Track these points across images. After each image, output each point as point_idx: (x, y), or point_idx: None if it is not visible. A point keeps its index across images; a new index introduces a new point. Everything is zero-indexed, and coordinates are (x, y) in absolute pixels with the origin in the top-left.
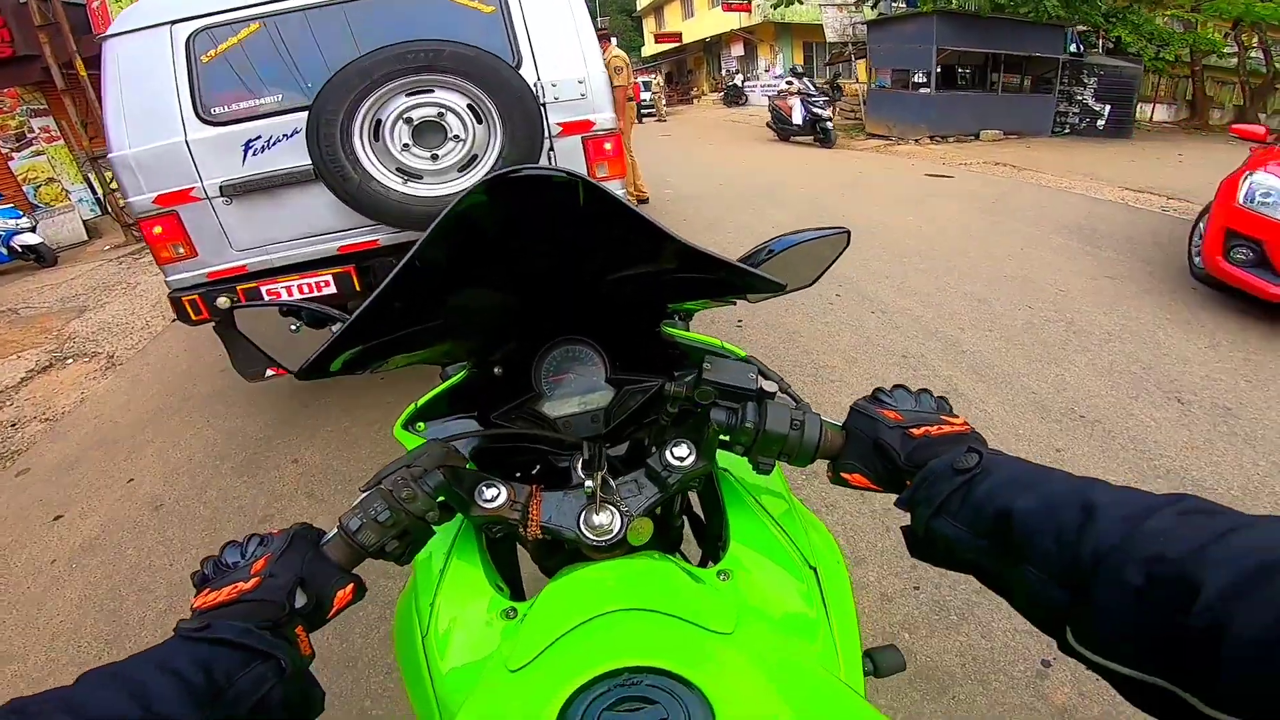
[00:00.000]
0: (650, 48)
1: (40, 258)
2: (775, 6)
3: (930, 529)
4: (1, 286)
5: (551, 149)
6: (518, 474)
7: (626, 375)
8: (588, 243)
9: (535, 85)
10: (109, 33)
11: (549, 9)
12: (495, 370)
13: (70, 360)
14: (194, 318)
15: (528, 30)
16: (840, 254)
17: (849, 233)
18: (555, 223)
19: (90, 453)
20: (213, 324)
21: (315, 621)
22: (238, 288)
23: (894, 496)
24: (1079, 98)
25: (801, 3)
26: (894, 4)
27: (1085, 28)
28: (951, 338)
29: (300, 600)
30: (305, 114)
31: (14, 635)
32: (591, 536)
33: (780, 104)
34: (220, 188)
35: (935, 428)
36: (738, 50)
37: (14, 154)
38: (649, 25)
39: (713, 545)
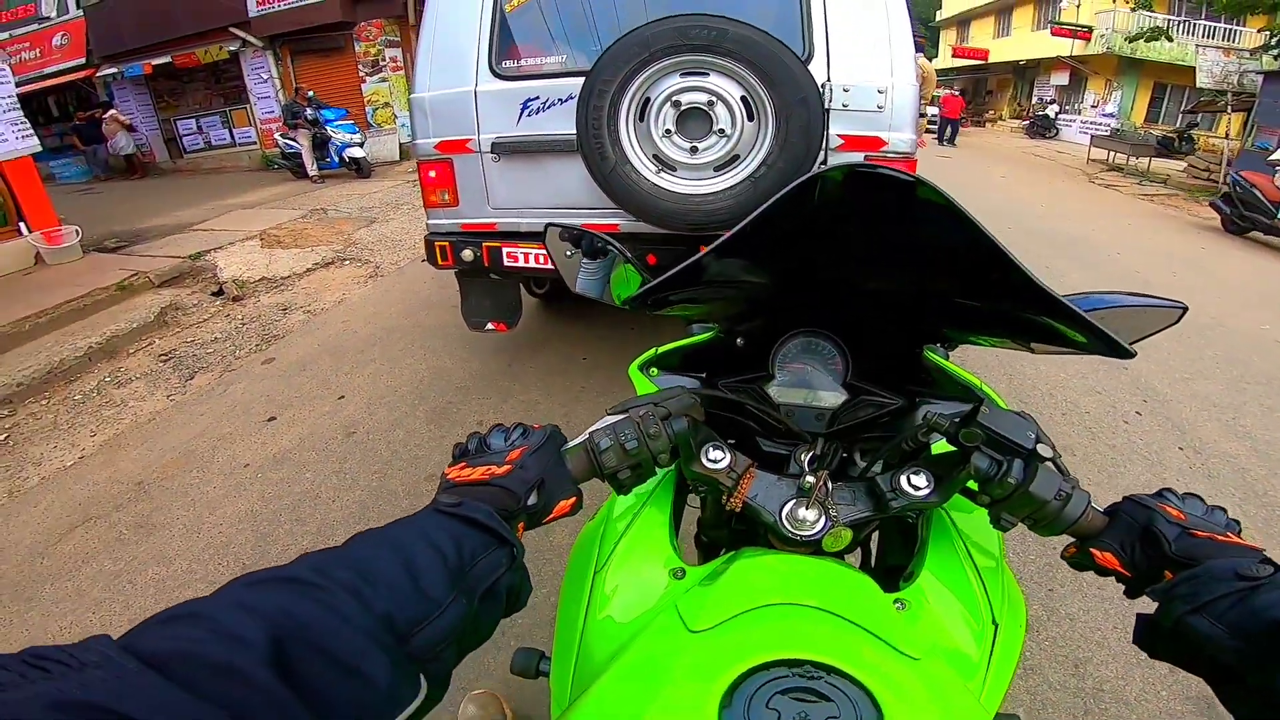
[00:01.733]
0: (943, 61)
1: (360, 170)
2: (1131, 39)
3: (1182, 623)
4: (325, 189)
5: (824, 162)
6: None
7: (865, 384)
8: (902, 247)
9: (823, 85)
10: None
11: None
12: (738, 341)
13: (347, 263)
14: (440, 263)
15: (826, 20)
16: (1167, 328)
17: (1185, 308)
18: (880, 221)
19: (323, 358)
20: (455, 271)
21: (534, 520)
22: (484, 245)
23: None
24: None
25: (1170, 40)
26: None
27: None
28: None
29: (532, 499)
30: (582, 80)
31: (179, 536)
32: (790, 528)
33: (1260, 182)
34: (493, 144)
35: (1221, 535)
36: (1059, 78)
37: (366, 78)
38: (947, 37)
39: (893, 573)
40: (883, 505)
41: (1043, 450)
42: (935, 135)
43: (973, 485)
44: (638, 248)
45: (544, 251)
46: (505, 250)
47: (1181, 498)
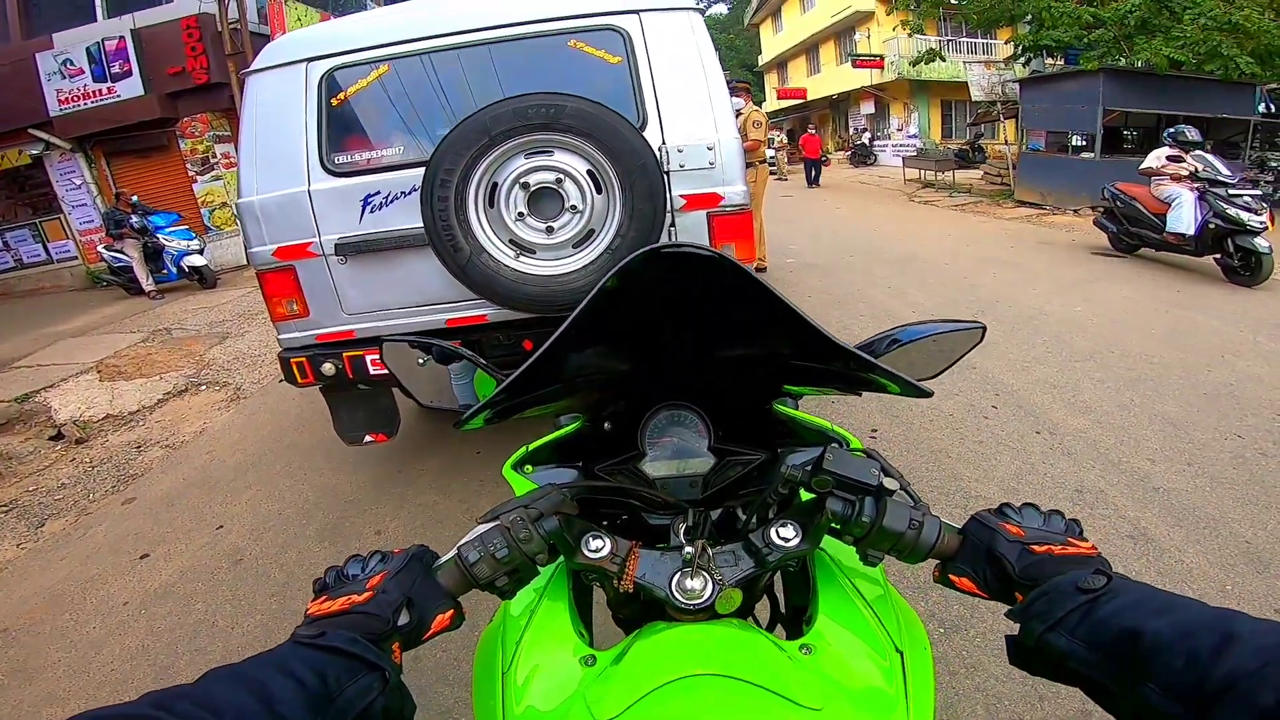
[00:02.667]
0: (771, 104)
1: (203, 279)
2: (914, 64)
3: (1042, 641)
4: (165, 305)
5: (673, 224)
6: (604, 523)
7: (729, 446)
8: (719, 317)
9: (660, 150)
10: (250, 69)
11: (679, 63)
12: (605, 425)
13: (203, 388)
14: (300, 381)
15: (654, 87)
16: (971, 350)
17: (984, 328)
18: (695, 296)
19: (192, 491)
20: (319, 387)
21: (412, 640)
22: (344, 355)
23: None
24: (1274, 164)
25: (943, 60)
26: (1048, 61)
27: (1277, 85)
28: (1139, 471)
29: (404, 619)
30: (422, 171)
31: (65, 677)
32: (681, 599)
33: (1139, 194)
34: (336, 245)
35: (1059, 547)
36: (867, 108)
37: (198, 177)
38: (770, 80)
39: (794, 619)
40: (762, 561)
41: (889, 484)
42: (805, 178)
43: (836, 526)
44: (513, 334)
45: (425, 328)
46: (369, 358)
47: (1019, 510)
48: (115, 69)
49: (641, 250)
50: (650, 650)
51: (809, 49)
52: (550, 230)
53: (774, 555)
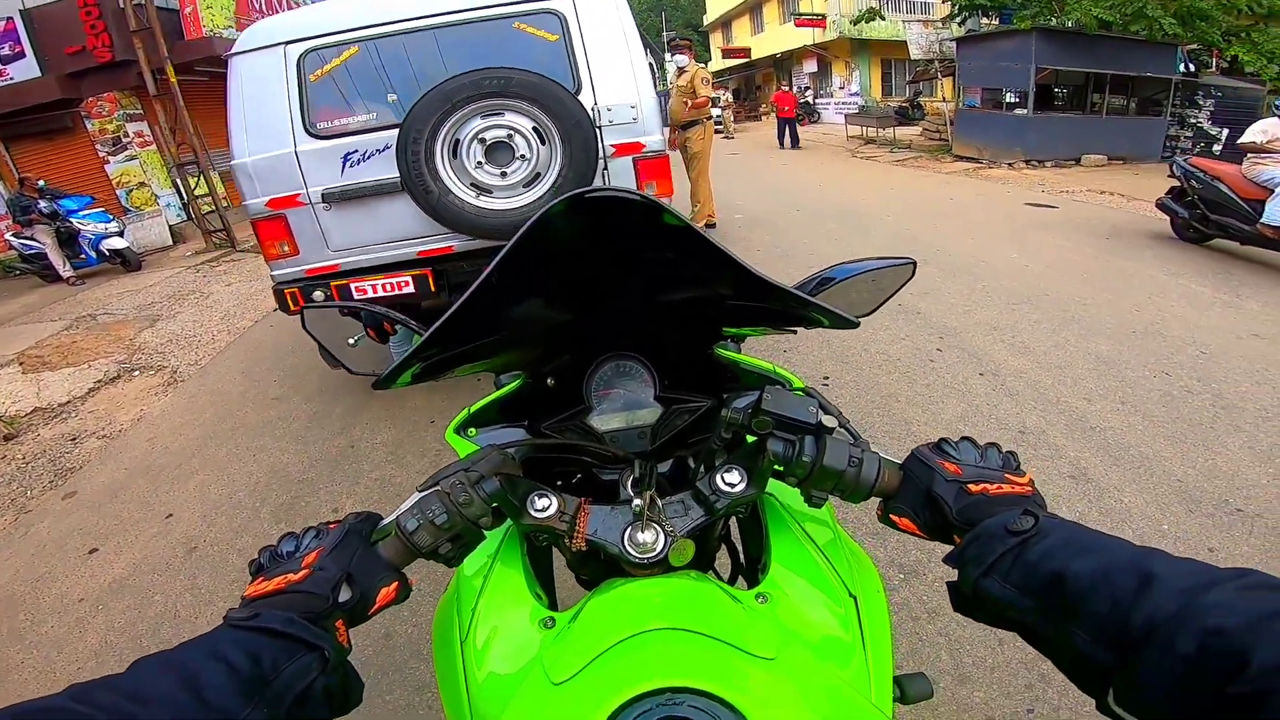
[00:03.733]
0: (716, 63)
1: (126, 262)
2: (854, 22)
3: (978, 587)
4: (87, 291)
5: (606, 169)
6: (559, 484)
7: (675, 394)
8: (653, 264)
9: (592, 109)
10: (233, 51)
11: (606, 38)
12: (548, 381)
13: (136, 373)
14: (292, 309)
15: (587, 58)
16: (904, 285)
17: (914, 263)
18: (624, 242)
19: (136, 480)
20: (298, 314)
21: (357, 616)
22: (331, 284)
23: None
24: (1193, 121)
25: (883, 19)
26: (983, 20)
27: (1196, 46)
28: (1076, 410)
29: (345, 595)
30: (396, 131)
31: (31, 679)
32: (634, 553)
33: (1225, 174)
34: (322, 194)
35: (994, 485)
36: (810, 67)
37: (110, 158)
38: (715, 40)
39: (751, 568)
40: (711, 508)
41: (828, 421)
42: (777, 139)
43: (780, 468)
44: (474, 262)
45: (391, 280)
46: (353, 285)
47: (956, 445)
48: (5, 51)
49: (564, 195)
50: (604, 608)
51: (753, 8)
52: (504, 175)
53: (721, 502)
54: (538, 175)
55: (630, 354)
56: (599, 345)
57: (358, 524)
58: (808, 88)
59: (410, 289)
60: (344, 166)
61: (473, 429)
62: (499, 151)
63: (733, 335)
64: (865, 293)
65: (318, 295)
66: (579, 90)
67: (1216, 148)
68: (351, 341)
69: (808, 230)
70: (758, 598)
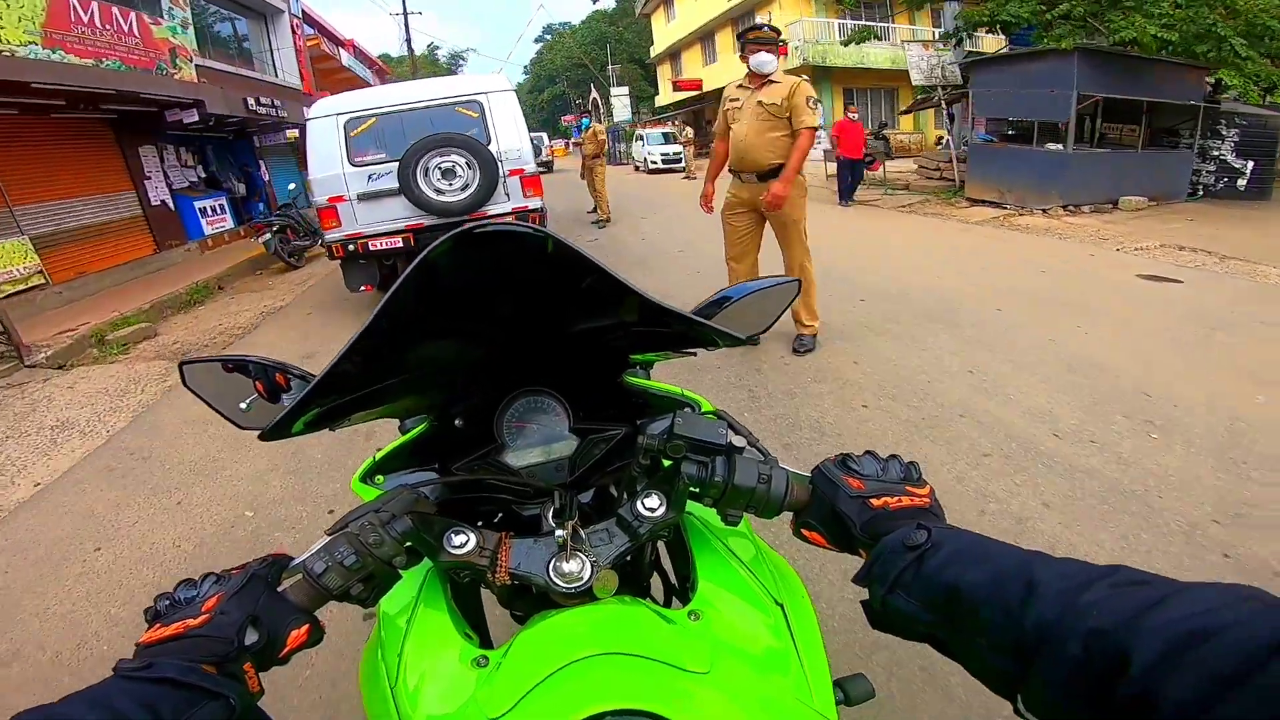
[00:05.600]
0: (666, 96)
1: None
2: (846, 43)
3: (886, 604)
4: None
5: (504, 182)
6: (479, 523)
7: (590, 424)
8: (549, 295)
9: (497, 152)
10: (309, 118)
11: (504, 114)
12: (456, 422)
13: None
14: (337, 254)
15: (494, 126)
16: (790, 303)
17: (799, 283)
18: (517, 275)
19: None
20: (341, 260)
21: (266, 660)
22: (357, 242)
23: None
24: (1215, 154)
25: (879, 39)
26: (990, 40)
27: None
28: None
29: (251, 637)
30: (396, 163)
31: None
32: (560, 584)
33: None
34: (357, 195)
35: (895, 499)
36: None
37: None
38: (664, 72)
39: (681, 587)
40: (634, 534)
41: (737, 441)
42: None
43: (695, 489)
44: (438, 233)
45: (390, 240)
46: (371, 244)
47: (859, 460)
48: None
49: (448, 235)
50: (536, 640)
51: (704, 37)
52: (450, 184)
53: (644, 527)
54: (466, 184)
55: (541, 388)
56: (507, 381)
57: (262, 569)
58: None
59: (399, 245)
60: (368, 181)
61: (380, 476)
62: (448, 173)
63: (640, 362)
64: (757, 313)
65: (351, 248)
66: (489, 142)
67: (1241, 182)
68: (243, 406)
69: (908, 346)
70: (689, 615)
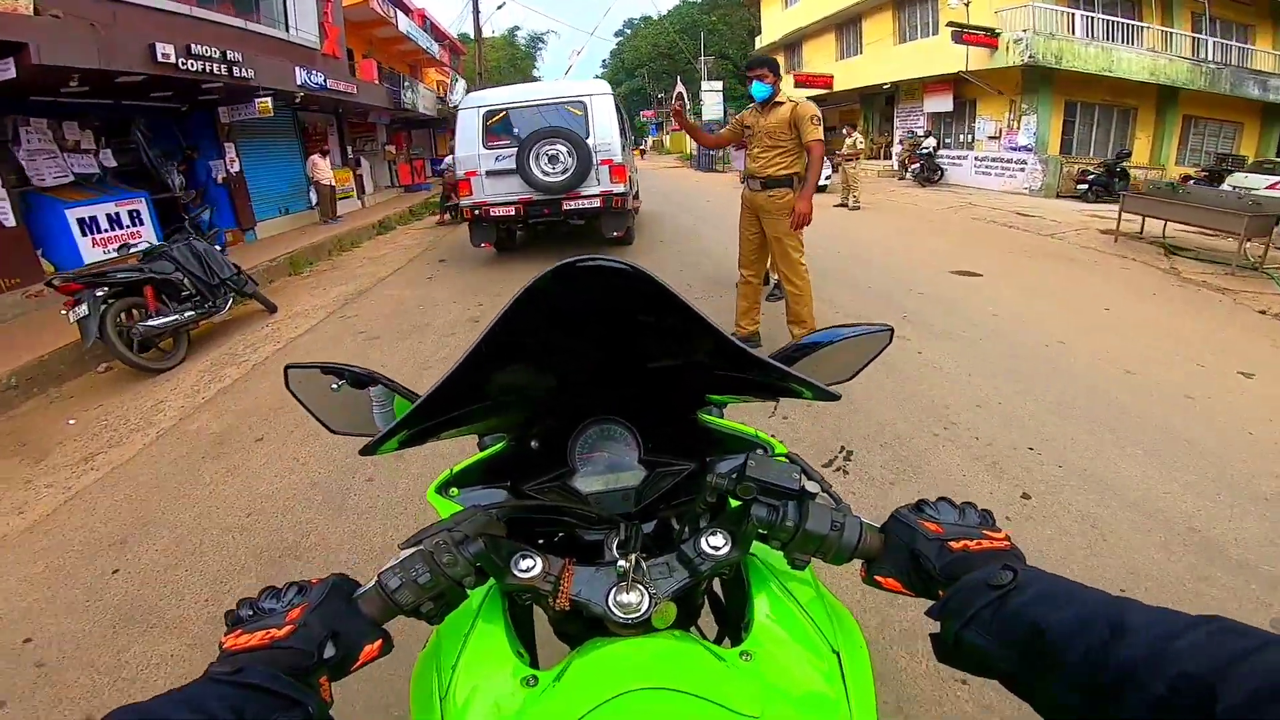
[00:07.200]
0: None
1: None
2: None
3: (960, 639)
4: None
5: (596, 168)
6: (540, 541)
7: (659, 457)
8: (638, 329)
9: (592, 144)
10: (460, 106)
11: (603, 116)
12: (532, 444)
13: None
14: (467, 215)
15: (593, 122)
16: (882, 351)
17: (892, 330)
18: (610, 307)
19: None
20: (470, 221)
21: (339, 672)
22: (483, 208)
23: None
24: None
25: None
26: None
27: None
28: None
29: (329, 651)
30: (516, 148)
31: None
32: (619, 614)
33: None
34: (486, 171)
35: (975, 542)
36: (937, 104)
37: None
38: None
39: (734, 625)
40: (695, 571)
41: (811, 487)
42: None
43: (764, 532)
44: (540, 206)
45: (506, 209)
46: (492, 210)
47: (935, 505)
48: None
49: (555, 265)
50: (589, 668)
51: (844, 23)
52: (554, 166)
53: (706, 564)
54: (566, 169)
55: (614, 418)
56: (583, 408)
57: (340, 581)
58: (927, 133)
59: (511, 213)
60: (495, 160)
61: (455, 489)
62: (553, 158)
63: (716, 402)
64: (845, 360)
65: (478, 212)
66: (588, 135)
67: None
68: (334, 387)
69: None
70: (741, 655)
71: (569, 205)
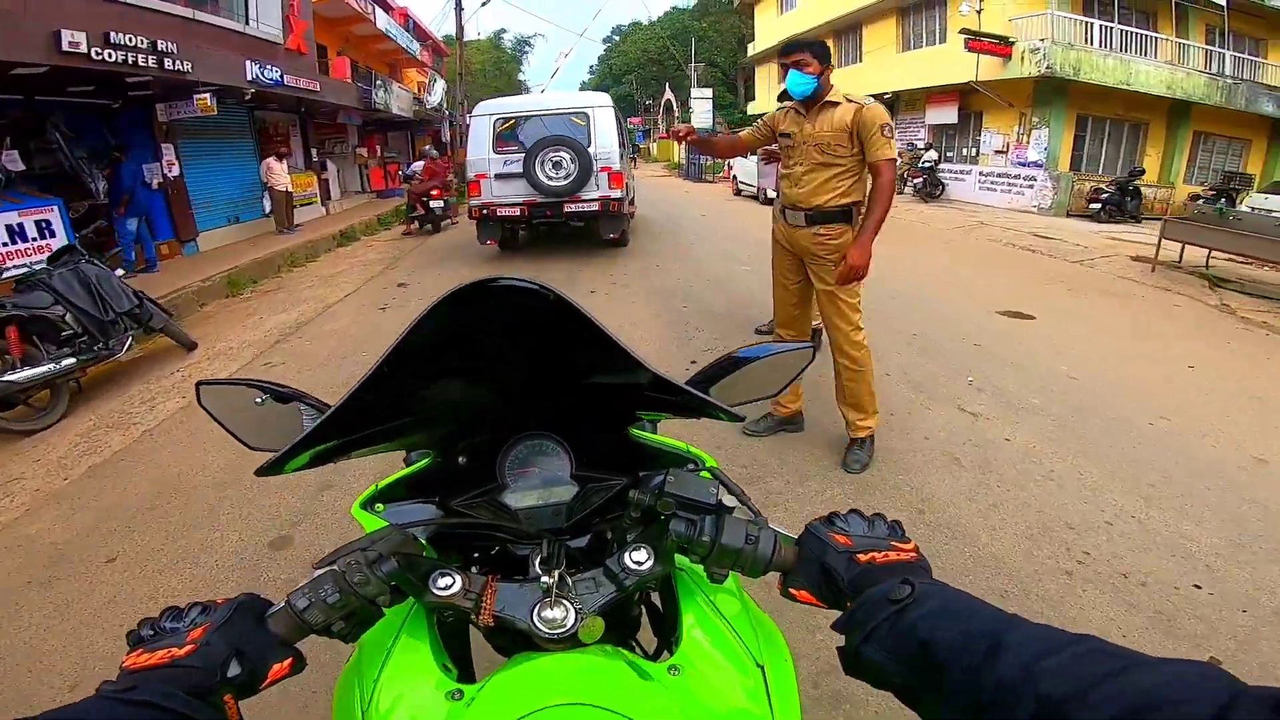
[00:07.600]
0: (764, 103)
1: None
2: None
3: (859, 653)
4: None
5: (596, 175)
6: (475, 555)
7: (591, 473)
8: (561, 347)
9: (593, 151)
10: (473, 114)
11: (604, 126)
12: (460, 459)
13: None
14: (474, 215)
15: (595, 131)
16: (805, 369)
17: (815, 349)
18: (530, 325)
19: None
20: (477, 219)
21: (246, 690)
22: (489, 209)
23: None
24: None
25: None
26: None
27: None
28: None
29: (234, 670)
30: (523, 153)
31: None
32: (544, 629)
33: None
34: (494, 174)
35: (882, 554)
36: (940, 115)
37: None
38: (766, 74)
39: (667, 637)
40: (620, 585)
41: (728, 501)
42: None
43: (683, 546)
44: (544, 207)
45: (511, 210)
46: (499, 210)
47: (845, 518)
48: None
49: (466, 283)
50: (511, 682)
51: (844, 30)
52: (557, 172)
53: (630, 579)
54: (568, 174)
55: (545, 433)
56: (513, 424)
57: (247, 600)
58: (929, 146)
59: (517, 214)
60: (503, 164)
61: (380, 504)
62: (557, 164)
63: (648, 418)
64: (770, 376)
65: (485, 212)
66: (590, 144)
67: None
68: (258, 401)
69: None
70: (670, 670)
71: (570, 208)
